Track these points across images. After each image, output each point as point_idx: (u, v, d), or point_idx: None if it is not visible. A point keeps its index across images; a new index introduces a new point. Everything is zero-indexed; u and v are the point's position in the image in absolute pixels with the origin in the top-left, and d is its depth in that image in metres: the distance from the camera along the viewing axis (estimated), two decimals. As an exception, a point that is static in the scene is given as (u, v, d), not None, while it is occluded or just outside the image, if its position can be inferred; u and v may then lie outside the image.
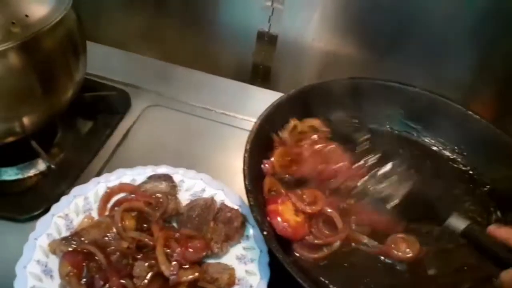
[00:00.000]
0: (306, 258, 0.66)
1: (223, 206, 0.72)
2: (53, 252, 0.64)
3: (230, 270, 0.65)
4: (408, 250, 0.67)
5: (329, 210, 0.69)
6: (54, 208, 0.68)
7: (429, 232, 0.70)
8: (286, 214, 0.67)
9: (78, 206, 0.70)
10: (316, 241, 0.66)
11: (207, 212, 0.71)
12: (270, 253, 0.67)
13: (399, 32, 0.98)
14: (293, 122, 0.81)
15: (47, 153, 0.81)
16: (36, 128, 0.75)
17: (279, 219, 0.66)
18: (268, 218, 0.66)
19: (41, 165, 0.80)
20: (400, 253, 0.67)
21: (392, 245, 0.67)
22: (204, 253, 0.65)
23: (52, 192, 0.74)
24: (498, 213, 0.75)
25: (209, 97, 0.99)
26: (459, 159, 0.83)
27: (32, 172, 0.79)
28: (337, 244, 0.67)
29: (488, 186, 0.78)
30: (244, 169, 0.68)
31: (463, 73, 0.96)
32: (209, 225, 0.69)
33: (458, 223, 0.66)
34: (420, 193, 0.75)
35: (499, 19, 0.89)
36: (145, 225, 0.68)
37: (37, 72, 0.69)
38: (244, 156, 0.70)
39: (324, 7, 0.99)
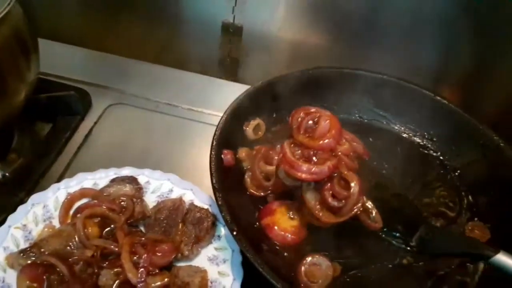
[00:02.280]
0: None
1: (192, 207, 0.69)
2: (11, 266, 0.60)
3: (202, 273, 0.62)
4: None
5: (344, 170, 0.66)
6: (11, 218, 0.64)
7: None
8: (282, 223, 0.66)
9: (37, 215, 0.66)
10: (337, 204, 0.64)
11: (175, 213, 0.68)
12: (243, 252, 0.64)
13: (366, 20, 0.97)
14: (257, 120, 0.78)
15: (3, 160, 0.76)
16: (-13, 134, 0.71)
17: (276, 229, 0.65)
18: (266, 233, 0.66)
19: (-4, 173, 0.75)
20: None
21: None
22: (173, 257, 0.63)
23: (8, 201, 0.70)
24: (470, 197, 0.75)
25: (175, 93, 0.96)
26: (429, 145, 0.82)
27: (-13, 181, 0.74)
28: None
29: (458, 171, 0.78)
30: (210, 167, 0.66)
31: (431, 60, 0.96)
32: (178, 227, 0.67)
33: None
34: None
35: (466, 6, 0.88)
36: (109, 231, 0.65)
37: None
38: (211, 154, 0.67)
39: (288, -5, 0.96)
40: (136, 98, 0.93)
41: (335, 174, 0.64)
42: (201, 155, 0.83)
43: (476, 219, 0.73)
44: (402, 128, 0.85)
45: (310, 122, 0.68)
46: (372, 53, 0.97)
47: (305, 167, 0.63)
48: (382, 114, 0.85)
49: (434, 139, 0.82)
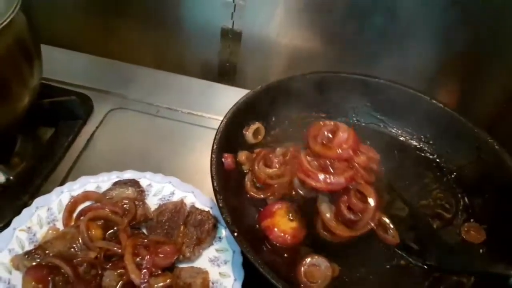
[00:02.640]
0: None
1: (194, 209, 0.70)
2: (16, 268, 0.61)
3: (203, 274, 0.64)
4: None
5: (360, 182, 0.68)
6: (16, 221, 0.65)
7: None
8: (281, 225, 0.67)
9: (41, 217, 0.67)
10: (353, 217, 0.65)
11: (177, 216, 0.69)
12: (243, 253, 0.66)
13: (363, 25, 0.98)
14: (257, 124, 0.80)
15: (7, 164, 0.77)
16: (-8, 138, 0.72)
17: (276, 230, 0.66)
18: (266, 234, 0.67)
19: (1, 177, 0.76)
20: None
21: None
22: (175, 258, 0.64)
23: (12, 204, 0.71)
24: (466, 199, 0.76)
25: (175, 97, 0.97)
26: (425, 148, 0.84)
27: (-10, 185, 0.75)
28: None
29: (455, 173, 0.80)
30: (211, 170, 0.67)
31: (426, 64, 0.97)
32: (180, 229, 0.68)
33: None
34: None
35: (460, 9, 0.90)
36: (112, 233, 0.66)
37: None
38: (211, 157, 0.68)
39: (286, 1, 0.98)
40: (137, 103, 0.94)
41: (351, 187, 0.65)
42: (201, 159, 0.84)
43: (472, 220, 0.74)
44: (399, 132, 0.86)
45: (326, 133, 0.70)
46: (369, 57, 0.99)
47: (322, 176, 0.64)
48: (379, 118, 0.87)
49: (431, 142, 0.84)
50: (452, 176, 0.80)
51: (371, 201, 0.63)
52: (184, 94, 0.98)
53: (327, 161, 0.67)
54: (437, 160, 0.82)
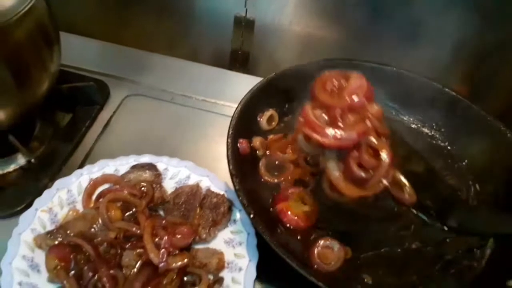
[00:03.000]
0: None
1: (209, 192, 0.72)
2: (39, 246, 0.63)
3: (219, 255, 0.65)
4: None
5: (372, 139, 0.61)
6: (37, 202, 0.67)
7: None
8: (295, 208, 0.68)
9: (61, 199, 0.69)
10: (364, 174, 0.59)
11: (193, 198, 0.71)
12: (258, 235, 0.67)
13: (375, 12, 0.99)
14: (270, 111, 0.81)
15: (27, 147, 0.79)
16: (13, 122, 0.74)
17: (289, 214, 0.67)
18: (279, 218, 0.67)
19: (20, 160, 0.78)
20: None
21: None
22: (192, 239, 0.66)
23: (34, 186, 0.73)
24: (477, 186, 0.77)
25: (189, 84, 0.98)
26: (437, 136, 0.85)
27: (12, 167, 0.78)
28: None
29: (466, 161, 0.80)
30: (228, 154, 0.68)
31: (439, 52, 0.98)
32: (196, 212, 0.70)
33: None
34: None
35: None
36: (130, 215, 0.68)
37: (8, 64, 0.67)
38: (227, 142, 0.70)
39: (299, -11, 0.99)
40: (152, 89, 0.96)
41: (363, 141, 0.58)
42: (215, 144, 0.86)
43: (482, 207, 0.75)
44: (411, 119, 0.87)
45: (336, 82, 0.62)
46: (382, 45, 0.99)
47: (330, 131, 0.57)
48: (391, 105, 0.87)
49: (442, 130, 0.84)
50: (464, 163, 0.81)
51: (385, 157, 0.56)
52: (198, 81, 0.99)
53: (337, 114, 0.59)
54: (449, 147, 0.83)
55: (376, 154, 0.58)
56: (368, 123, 0.60)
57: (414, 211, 0.63)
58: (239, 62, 1.15)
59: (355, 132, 0.57)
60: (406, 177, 0.62)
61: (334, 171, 0.60)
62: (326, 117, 0.60)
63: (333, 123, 0.58)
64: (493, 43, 0.93)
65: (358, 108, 0.59)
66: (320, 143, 0.58)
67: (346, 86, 0.61)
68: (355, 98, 0.59)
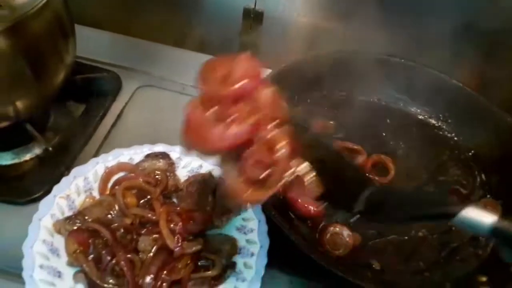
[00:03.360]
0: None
1: (221, 181, 0.74)
2: (58, 231, 0.65)
3: (232, 240, 0.67)
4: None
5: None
6: (56, 189, 0.69)
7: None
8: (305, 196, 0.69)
9: (78, 186, 0.71)
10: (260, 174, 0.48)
11: (205, 187, 0.73)
12: (268, 222, 0.69)
13: (385, 4, 0.99)
14: None
15: (43, 137, 0.81)
16: (30, 112, 0.75)
17: (300, 201, 0.68)
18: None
19: (36, 149, 0.80)
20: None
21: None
22: (206, 226, 0.68)
23: (51, 174, 0.75)
24: (483, 176, 0.79)
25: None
26: (444, 127, 0.86)
27: (28, 156, 0.79)
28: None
29: (472, 151, 0.82)
30: (239, 144, 0.70)
31: (448, 44, 0.98)
32: (208, 199, 0.71)
33: (480, 215, 0.44)
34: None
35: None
36: (145, 202, 0.70)
37: (27, 55, 0.68)
38: (240, 131, 0.71)
39: (308, -19, 1.00)
40: (163, 81, 0.97)
41: (257, 135, 0.48)
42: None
43: (488, 196, 0.77)
44: (418, 110, 0.89)
45: (222, 69, 0.50)
46: (390, 37, 1.00)
47: (217, 129, 0.46)
48: (399, 97, 0.89)
49: (449, 121, 0.86)
50: (470, 154, 0.82)
51: (282, 150, 0.47)
52: (208, 73, 1.01)
53: (224, 106, 0.48)
54: (455, 138, 0.85)
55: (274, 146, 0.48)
56: (262, 112, 0.49)
57: (323, 201, 0.58)
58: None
59: (246, 126, 0.47)
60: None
61: (233, 176, 0.49)
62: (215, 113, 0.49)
63: (221, 119, 0.47)
64: (502, 32, 0.94)
65: (247, 95, 0.48)
66: (208, 148, 0.49)
67: (232, 70, 0.49)
68: (241, 83, 0.48)
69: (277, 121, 0.49)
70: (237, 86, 0.48)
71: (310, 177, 0.53)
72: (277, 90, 0.52)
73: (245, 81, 0.48)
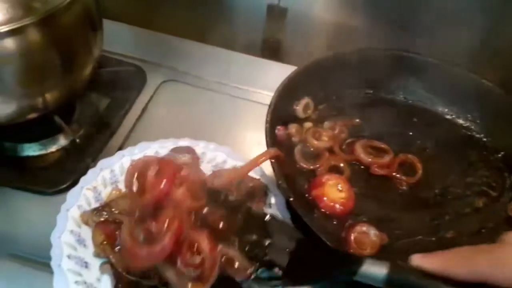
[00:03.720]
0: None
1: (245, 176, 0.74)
2: (85, 222, 0.66)
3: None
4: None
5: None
6: (83, 180, 0.70)
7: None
8: (331, 194, 0.69)
9: (105, 178, 0.71)
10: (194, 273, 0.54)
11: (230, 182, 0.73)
12: (293, 220, 0.69)
13: (410, 2, 0.98)
14: (306, 99, 0.82)
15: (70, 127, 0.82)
16: (58, 104, 0.76)
17: (325, 200, 0.69)
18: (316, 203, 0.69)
19: (62, 141, 0.81)
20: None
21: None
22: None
23: (78, 165, 0.76)
24: (512, 178, 0.77)
25: (223, 72, 1.00)
26: (472, 127, 0.85)
27: (54, 148, 0.80)
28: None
29: (501, 153, 0.80)
30: (266, 140, 0.70)
31: (474, 41, 0.97)
32: (233, 195, 0.71)
33: (374, 269, 0.47)
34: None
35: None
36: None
37: (58, 47, 0.69)
38: (266, 127, 0.71)
39: (334, -22, 0.99)
40: (187, 76, 0.98)
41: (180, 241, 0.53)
42: (249, 131, 0.88)
43: (519, 198, 0.75)
44: (446, 110, 0.87)
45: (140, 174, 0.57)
46: (416, 35, 0.99)
47: (144, 250, 0.52)
48: (426, 96, 0.88)
49: (478, 121, 0.84)
50: (499, 155, 0.80)
51: (205, 249, 0.52)
52: (232, 69, 1.01)
53: (146, 217, 0.54)
54: (484, 139, 0.83)
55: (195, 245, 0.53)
56: (181, 212, 0.55)
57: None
58: (271, 50, 1.16)
59: (166, 240, 0.51)
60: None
61: (175, 281, 0.54)
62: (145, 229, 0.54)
63: (147, 236, 0.52)
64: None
65: (164, 197, 0.54)
66: (139, 269, 0.54)
67: (147, 176, 0.55)
68: (157, 188, 0.54)
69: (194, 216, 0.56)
70: (149, 196, 0.54)
71: (239, 260, 0.55)
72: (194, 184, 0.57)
73: (160, 185, 0.54)
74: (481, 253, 0.48)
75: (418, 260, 0.48)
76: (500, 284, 0.44)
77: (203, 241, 0.54)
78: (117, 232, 0.63)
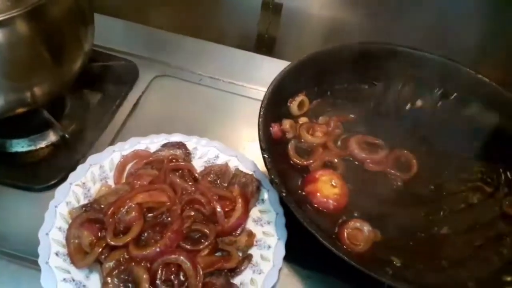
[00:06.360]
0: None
1: (238, 172, 0.73)
2: (74, 219, 0.65)
3: (248, 232, 0.66)
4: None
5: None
6: (72, 176, 0.69)
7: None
8: (324, 190, 0.68)
9: (94, 174, 0.70)
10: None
11: (222, 177, 0.72)
12: (286, 215, 0.68)
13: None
14: (301, 96, 0.81)
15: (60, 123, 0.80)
16: (48, 98, 0.75)
17: (319, 195, 0.68)
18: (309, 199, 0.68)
19: (52, 137, 0.80)
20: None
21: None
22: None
23: (67, 161, 0.75)
24: (508, 174, 0.76)
25: (216, 67, 0.98)
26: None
27: (44, 143, 0.79)
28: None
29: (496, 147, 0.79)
30: (259, 134, 0.69)
31: (471, 37, 0.96)
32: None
33: None
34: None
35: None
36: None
37: (47, 41, 0.68)
38: (259, 121, 0.70)
39: (329, -28, 0.98)
40: (180, 71, 0.96)
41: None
42: (242, 127, 0.87)
43: (514, 194, 0.74)
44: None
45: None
46: (412, 30, 0.98)
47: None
48: (422, 91, 0.86)
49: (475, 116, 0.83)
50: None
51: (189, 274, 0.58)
52: (226, 64, 1.00)
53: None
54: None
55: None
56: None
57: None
58: (265, 45, 1.14)
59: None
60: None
61: None
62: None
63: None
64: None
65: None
66: None
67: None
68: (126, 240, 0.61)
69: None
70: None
71: None
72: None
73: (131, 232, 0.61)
74: None
75: None
76: None
77: (190, 270, 0.59)
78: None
